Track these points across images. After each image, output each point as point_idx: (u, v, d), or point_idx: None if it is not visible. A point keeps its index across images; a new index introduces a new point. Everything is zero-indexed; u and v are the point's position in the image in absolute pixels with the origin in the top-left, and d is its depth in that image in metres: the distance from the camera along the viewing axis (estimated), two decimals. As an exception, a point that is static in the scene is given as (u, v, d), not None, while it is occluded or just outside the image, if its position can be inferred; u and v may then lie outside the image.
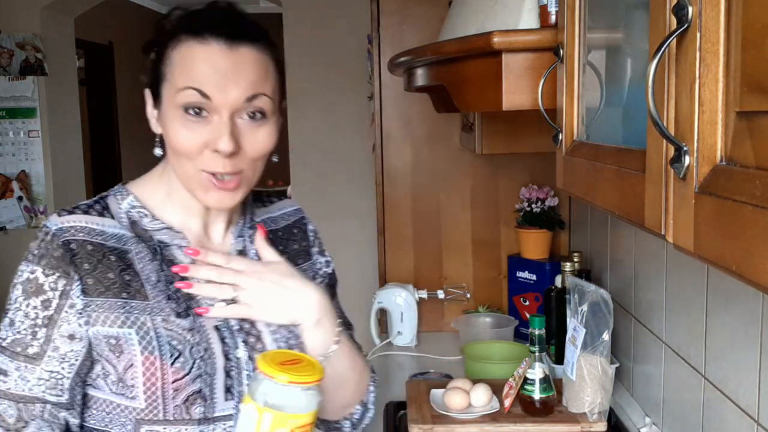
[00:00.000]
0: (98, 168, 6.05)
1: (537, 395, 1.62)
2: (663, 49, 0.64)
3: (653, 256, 1.61)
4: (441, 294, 2.43)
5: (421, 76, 1.66)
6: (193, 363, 1.01)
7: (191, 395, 1.01)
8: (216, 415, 1.03)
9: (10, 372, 1.00)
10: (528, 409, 1.63)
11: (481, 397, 1.65)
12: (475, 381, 1.71)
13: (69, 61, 4.11)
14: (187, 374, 1.00)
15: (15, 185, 3.75)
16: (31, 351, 0.99)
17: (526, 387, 1.63)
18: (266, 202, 1.25)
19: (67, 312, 0.99)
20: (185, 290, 1.05)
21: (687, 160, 0.63)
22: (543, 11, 1.22)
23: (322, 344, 1.09)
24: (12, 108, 3.74)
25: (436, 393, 1.71)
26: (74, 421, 1.02)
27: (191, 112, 0.99)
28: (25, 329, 0.99)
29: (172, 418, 1.01)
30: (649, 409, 1.67)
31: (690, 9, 0.61)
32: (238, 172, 1.01)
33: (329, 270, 1.27)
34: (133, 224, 1.06)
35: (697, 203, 0.62)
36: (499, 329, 2.25)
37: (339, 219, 3.58)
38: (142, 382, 0.99)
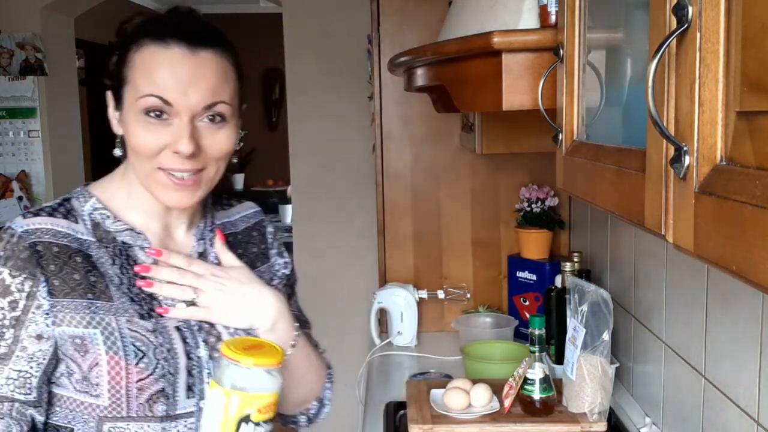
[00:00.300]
0: (98, 168, 6.04)
1: (537, 395, 1.62)
2: (663, 49, 0.64)
3: (653, 256, 1.61)
4: (441, 294, 2.43)
5: (421, 76, 1.66)
6: (157, 363, 1.04)
7: (154, 394, 1.04)
8: (178, 412, 1.06)
9: None
10: (528, 409, 1.63)
11: (481, 397, 1.65)
12: (475, 381, 1.71)
13: (69, 61, 4.11)
14: (151, 374, 1.04)
15: (15, 185, 3.75)
16: None
17: (526, 387, 1.63)
18: (226, 205, 1.27)
19: (34, 313, 1.01)
20: (146, 290, 1.08)
21: (687, 160, 0.63)
22: (543, 11, 1.22)
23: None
24: (12, 108, 3.74)
25: (436, 393, 1.71)
26: (40, 419, 1.05)
27: (152, 115, 1.02)
28: None
29: (135, 415, 1.04)
30: (649, 409, 1.67)
31: (690, 9, 0.61)
32: (199, 171, 1.04)
33: (287, 271, 1.29)
34: (96, 226, 1.08)
35: (697, 203, 0.62)
36: (499, 329, 2.25)
37: (339, 219, 3.58)
38: (106, 381, 1.02)
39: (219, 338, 1.11)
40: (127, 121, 1.05)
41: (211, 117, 1.04)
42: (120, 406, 1.03)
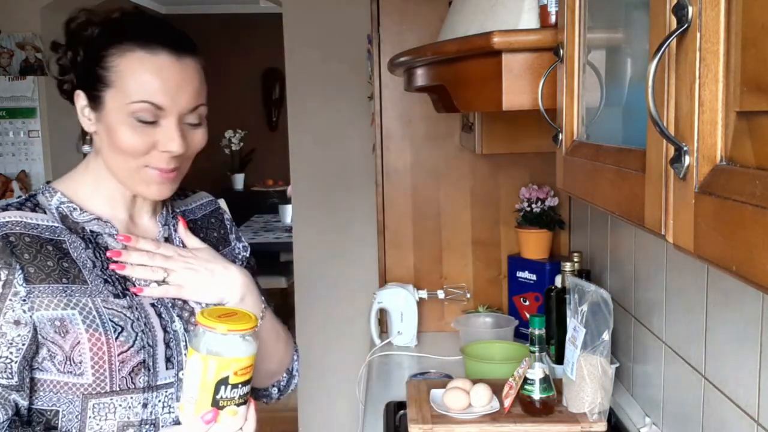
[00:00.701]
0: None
1: (537, 395, 1.62)
2: (663, 49, 0.64)
3: (653, 256, 1.61)
4: (441, 294, 2.43)
5: (421, 76, 1.66)
6: (136, 336, 1.10)
7: (136, 366, 1.10)
8: (159, 383, 1.13)
9: None
10: (528, 409, 1.63)
11: (481, 397, 1.65)
12: (475, 381, 1.71)
13: (69, 61, 4.10)
14: (132, 346, 1.09)
15: (15, 185, 3.75)
16: None
17: (526, 387, 1.63)
18: (182, 195, 1.35)
19: (11, 300, 1.05)
20: (119, 272, 1.14)
21: (687, 160, 0.63)
22: (543, 11, 1.22)
23: None
24: (12, 108, 3.74)
25: (436, 393, 1.71)
26: (23, 403, 1.08)
27: (143, 120, 1.09)
28: None
29: (118, 389, 1.09)
30: (649, 409, 1.67)
31: (690, 9, 0.61)
32: (178, 168, 1.14)
33: (246, 254, 1.39)
34: (64, 218, 1.14)
35: (697, 203, 0.62)
36: (499, 329, 2.25)
37: (339, 219, 3.58)
38: (89, 357, 1.07)
39: (192, 313, 1.18)
40: (110, 123, 1.10)
41: (193, 119, 1.13)
42: (104, 382, 1.08)
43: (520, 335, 2.27)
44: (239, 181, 7.25)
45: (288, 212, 5.33)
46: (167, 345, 1.14)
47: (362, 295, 3.10)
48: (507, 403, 1.63)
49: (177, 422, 1.11)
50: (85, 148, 1.18)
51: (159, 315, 1.15)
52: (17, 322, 1.05)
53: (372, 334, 2.40)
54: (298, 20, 3.64)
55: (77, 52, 1.14)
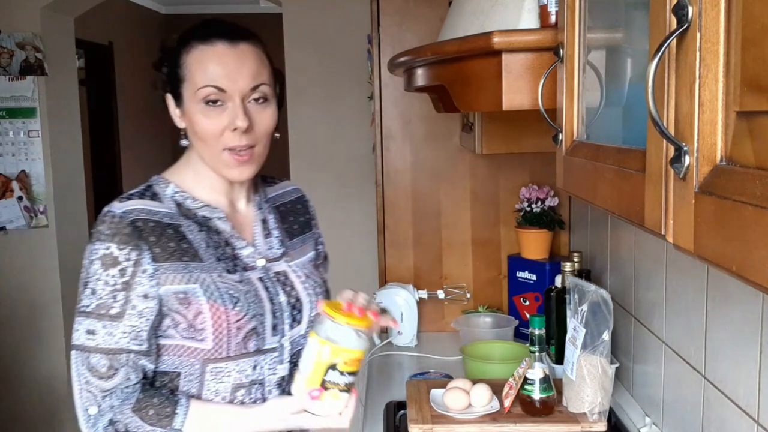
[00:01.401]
0: (98, 168, 6.04)
1: (537, 395, 1.62)
2: (663, 49, 0.64)
3: (653, 256, 1.61)
4: (441, 294, 2.43)
5: (421, 76, 1.65)
6: (249, 306, 1.26)
7: (248, 332, 1.25)
8: (266, 347, 1.29)
9: (97, 330, 1.20)
10: (528, 409, 1.63)
11: (481, 397, 1.65)
12: (475, 381, 1.71)
13: (69, 61, 4.10)
14: (245, 315, 1.25)
15: (15, 185, 3.75)
16: (113, 311, 1.20)
17: (526, 387, 1.63)
18: (271, 182, 1.51)
19: (140, 276, 1.20)
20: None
21: (687, 160, 0.63)
22: (543, 11, 1.22)
23: None
24: (12, 108, 3.73)
25: (436, 393, 1.71)
26: (150, 367, 1.25)
27: (210, 103, 1.23)
28: (106, 295, 1.20)
29: (233, 354, 1.25)
30: (649, 409, 1.67)
31: (690, 9, 0.61)
32: (252, 146, 1.26)
33: (322, 239, 1.54)
34: (179, 205, 1.29)
35: (697, 203, 0.62)
36: (499, 329, 2.25)
37: (339, 218, 3.58)
38: (210, 325, 1.23)
39: (293, 287, 1.35)
40: (189, 113, 1.26)
41: (256, 98, 1.25)
42: (222, 347, 1.24)
43: (520, 335, 2.27)
44: (239, 181, 7.24)
45: (288, 212, 5.33)
46: (273, 314, 1.29)
47: (362, 295, 3.09)
48: (507, 403, 1.63)
49: (286, 394, 1.29)
50: (183, 142, 1.32)
51: (266, 288, 1.31)
52: (146, 296, 1.21)
53: (372, 333, 2.40)
54: (298, 20, 3.64)
55: (165, 63, 1.29)
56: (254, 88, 1.25)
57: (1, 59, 3.70)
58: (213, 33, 1.25)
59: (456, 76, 1.40)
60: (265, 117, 1.27)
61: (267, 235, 1.38)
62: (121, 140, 6.14)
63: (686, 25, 0.62)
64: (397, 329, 1.43)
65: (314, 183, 3.61)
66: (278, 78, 1.34)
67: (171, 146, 7.42)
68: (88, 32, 5.20)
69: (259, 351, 1.28)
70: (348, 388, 1.21)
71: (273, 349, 1.30)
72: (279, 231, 1.41)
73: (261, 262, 1.33)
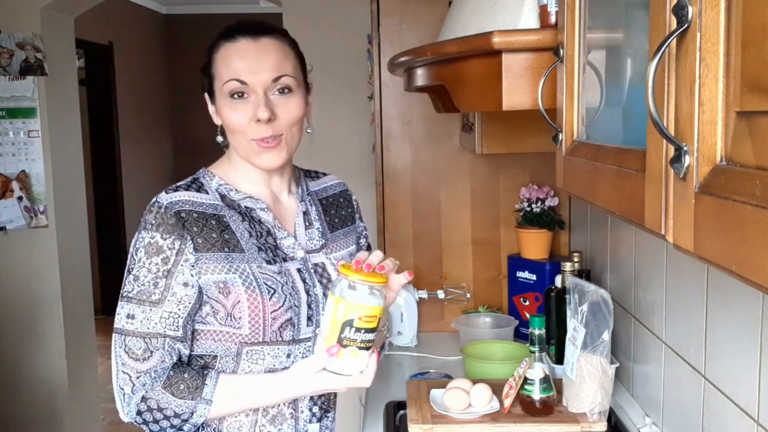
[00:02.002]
0: (98, 168, 6.05)
1: (537, 395, 1.62)
2: (663, 49, 0.64)
3: (653, 256, 1.61)
4: (441, 294, 2.43)
5: (421, 76, 1.65)
6: (285, 298, 1.30)
7: (284, 322, 1.30)
8: (301, 337, 1.33)
9: (137, 315, 1.27)
10: (528, 409, 1.63)
11: (481, 397, 1.65)
12: (475, 381, 1.71)
13: (69, 61, 4.10)
14: (282, 306, 1.29)
15: (15, 185, 3.75)
16: (154, 297, 1.26)
17: (526, 387, 1.63)
18: (314, 176, 1.55)
19: (182, 265, 1.26)
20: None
21: (687, 160, 0.63)
22: (543, 11, 1.22)
23: None
24: (12, 108, 3.73)
25: (436, 393, 1.71)
26: (185, 352, 1.30)
27: (236, 96, 1.29)
28: (148, 281, 1.26)
29: (268, 341, 1.30)
30: (649, 409, 1.67)
31: (690, 9, 0.61)
32: (278, 135, 1.30)
33: (367, 233, 1.59)
34: (223, 197, 1.34)
35: (697, 203, 0.62)
36: (499, 329, 2.24)
37: (339, 219, 3.58)
38: (247, 314, 1.28)
39: (330, 280, 1.38)
40: (220, 108, 1.32)
41: (280, 89, 1.30)
42: (258, 333, 1.29)
43: (520, 335, 2.27)
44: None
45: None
46: (309, 306, 1.34)
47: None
48: (507, 403, 1.63)
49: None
50: (218, 138, 1.37)
51: (303, 280, 1.35)
52: (186, 284, 1.26)
53: (372, 334, 2.40)
54: (298, 20, 3.64)
55: (206, 68, 1.36)
56: (276, 80, 1.29)
57: (1, 59, 3.70)
58: (237, 31, 1.31)
59: (456, 76, 1.40)
60: (289, 107, 1.30)
61: (308, 226, 1.42)
62: (121, 140, 6.15)
63: (686, 25, 0.62)
64: (408, 279, 1.40)
65: (314, 183, 3.62)
66: (303, 66, 1.38)
67: (171, 146, 7.43)
68: (88, 32, 5.20)
69: (294, 340, 1.32)
70: (367, 346, 1.22)
71: (307, 339, 1.34)
72: (320, 223, 1.45)
73: (300, 253, 1.37)
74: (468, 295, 2.47)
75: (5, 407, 3.80)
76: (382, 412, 1.82)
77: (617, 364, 1.77)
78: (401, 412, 1.77)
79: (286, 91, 1.31)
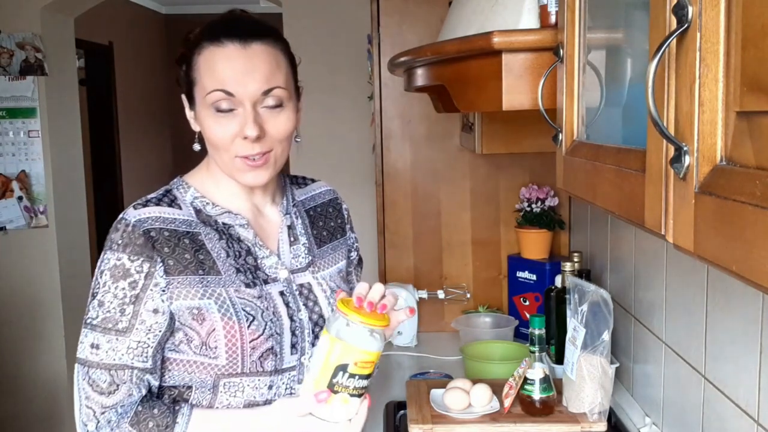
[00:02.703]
0: (98, 168, 6.04)
1: (537, 395, 1.62)
2: (663, 49, 0.64)
3: (653, 256, 1.61)
4: (441, 294, 2.43)
5: (421, 76, 1.65)
6: (266, 325, 1.18)
7: (265, 352, 1.19)
8: (284, 367, 1.22)
9: (101, 345, 1.15)
10: (528, 409, 1.63)
11: (481, 397, 1.65)
12: (475, 381, 1.71)
13: (69, 61, 4.10)
14: (262, 334, 1.18)
15: (15, 185, 3.75)
16: (120, 326, 1.14)
17: (526, 387, 1.63)
18: (301, 184, 1.43)
19: (152, 290, 1.14)
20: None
21: (687, 160, 0.63)
22: (543, 11, 1.22)
23: None
24: (12, 108, 3.73)
25: (436, 393, 1.71)
26: (155, 383, 1.19)
27: (220, 108, 1.15)
28: (114, 308, 1.14)
29: (248, 371, 1.18)
30: (649, 409, 1.67)
31: (690, 9, 0.61)
32: (267, 152, 1.18)
33: (357, 245, 1.47)
34: (199, 212, 1.22)
35: (697, 203, 0.62)
36: (499, 329, 2.24)
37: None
38: (224, 343, 1.16)
39: (316, 302, 1.27)
40: (201, 118, 1.19)
41: (270, 104, 1.16)
42: (236, 364, 1.17)
43: (520, 335, 2.27)
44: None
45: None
46: (293, 333, 1.22)
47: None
48: (507, 403, 1.63)
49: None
50: (195, 146, 1.25)
51: (287, 304, 1.23)
52: (156, 311, 1.15)
53: (372, 334, 2.40)
54: (298, 20, 3.64)
55: (181, 65, 1.22)
56: (266, 93, 1.15)
57: (1, 59, 3.70)
58: (224, 32, 1.16)
59: (456, 76, 1.40)
60: (280, 123, 1.17)
61: (293, 242, 1.30)
62: (121, 140, 6.14)
63: (686, 25, 0.62)
64: (408, 317, 1.29)
65: (314, 183, 3.62)
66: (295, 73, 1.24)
67: (171, 146, 7.43)
68: (88, 32, 5.19)
69: (277, 371, 1.21)
70: (359, 393, 1.10)
71: (291, 368, 1.23)
72: (307, 238, 1.33)
73: (284, 274, 1.25)
74: (468, 295, 2.47)
75: (5, 407, 3.80)
76: (382, 412, 1.82)
77: (617, 364, 1.77)
78: (401, 412, 1.77)
79: (277, 104, 1.17)
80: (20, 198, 3.77)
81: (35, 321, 3.79)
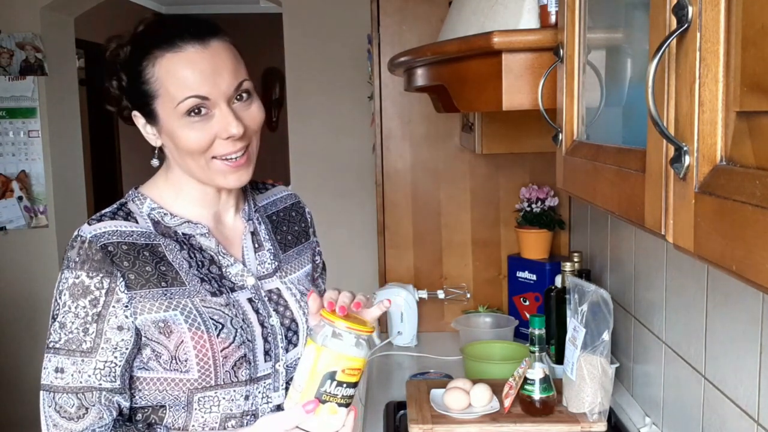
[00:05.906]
0: (98, 168, 6.04)
1: (537, 395, 1.62)
2: (663, 49, 0.64)
3: (653, 256, 1.61)
4: (441, 294, 2.43)
5: (421, 76, 1.65)
6: (236, 332, 1.14)
7: (238, 360, 1.15)
8: (259, 375, 1.18)
9: (66, 368, 1.10)
10: (528, 409, 1.63)
11: (481, 397, 1.65)
12: (475, 381, 1.71)
13: (69, 61, 4.10)
14: (233, 342, 1.14)
15: (15, 185, 3.75)
16: (84, 346, 1.10)
17: (526, 387, 1.63)
18: (262, 189, 1.39)
19: (114, 306, 1.10)
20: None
21: (687, 160, 0.63)
22: (543, 11, 1.22)
23: None
24: (12, 108, 3.73)
25: (436, 393, 1.71)
26: (125, 404, 1.14)
27: (194, 114, 1.11)
28: (76, 328, 1.10)
29: (222, 383, 1.14)
30: (649, 409, 1.67)
31: (690, 9, 0.61)
32: (246, 147, 1.15)
33: (320, 249, 1.44)
34: (156, 223, 1.18)
35: (697, 203, 0.62)
36: (499, 329, 2.24)
37: (339, 219, 3.58)
38: (194, 355, 1.12)
39: (287, 307, 1.24)
40: (170, 130, 1.13)
41: (240, 96, 1.13)
42: (209, 377, 1.13)
43: (520, 335, 2.27)
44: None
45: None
46: (265, 339, 1.19)
47: (362, 295, 3.09)
48: (507, 403, 1.63)
49: (278, 410, 1.18)
50: (154, 162, 1.22)
51: (256, 311, 1.19)
52: (120, 328, 1.10)
53: (372, 334, 2.40)
54: (298, 20, 3.64)
55: (120, 77, 1.16)
56: (238, 87, 1.13)
57: (1, 59, 3.70)
58: (177, 36, 1.11)
59: (456, 76, 1.40)
60: (254, 113, 1.16)
61: (258, 248, 1.26)
62: (121, 140, 6.14)
63: (686, 25, 0.62)
64: (386, 307, 1.25)
65: (314, 183, 3.62)
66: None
67: (171, 146, 7.42)
68: (88, 32, 5.19)
69: (252, 380, 1.17)
70: (346, 403, 1.09)
71: (266, 376, 1.19)
72: (271, 243, 1.29)
73: (251, 281, 1.21)
74: (468, 295, 2.47)
75: (5, 407, 3.80)
76: (382, 412, 1.82)
77: (617, 364, 1.77)
78: (401, 412, 1.77)
79: (246, 96, 1.14)
80: (20, 198, 3.77)
81: (35, 321, 3.79)
